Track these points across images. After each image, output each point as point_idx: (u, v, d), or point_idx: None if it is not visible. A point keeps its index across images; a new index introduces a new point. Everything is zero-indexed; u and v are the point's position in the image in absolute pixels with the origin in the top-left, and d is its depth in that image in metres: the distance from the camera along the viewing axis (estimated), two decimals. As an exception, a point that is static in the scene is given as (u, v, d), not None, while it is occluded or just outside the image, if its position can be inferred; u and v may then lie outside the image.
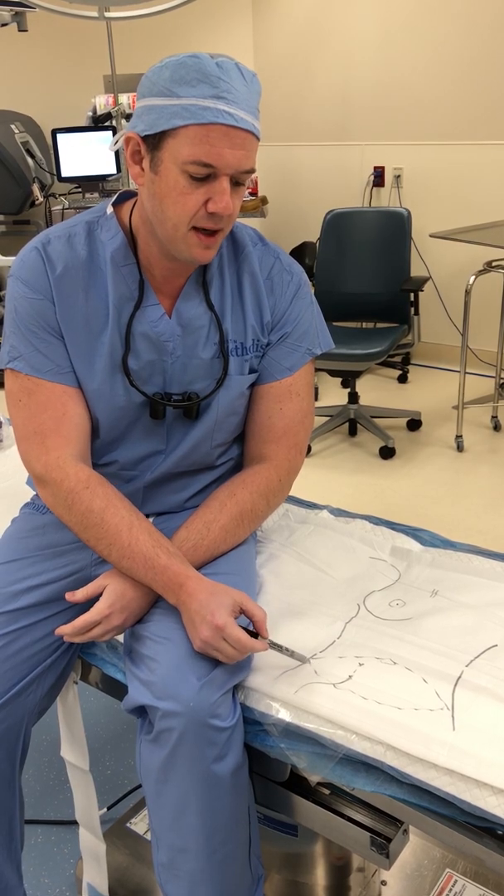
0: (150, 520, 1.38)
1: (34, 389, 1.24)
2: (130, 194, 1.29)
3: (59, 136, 4.25)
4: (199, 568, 1.24)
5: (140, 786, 1.54)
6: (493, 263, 3.51)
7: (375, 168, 4.61)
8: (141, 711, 1.14)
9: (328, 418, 3.74)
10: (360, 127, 4.63)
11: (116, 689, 1.29)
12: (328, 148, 4.78)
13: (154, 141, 1.12)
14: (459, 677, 1.11)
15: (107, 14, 3.68)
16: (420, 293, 3.62)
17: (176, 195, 1.13)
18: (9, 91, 4.86)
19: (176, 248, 1.19)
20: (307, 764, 1.08)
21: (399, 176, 4.56)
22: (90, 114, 4.46)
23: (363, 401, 3.79)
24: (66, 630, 1.18)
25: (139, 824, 1.67)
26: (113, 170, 4.29)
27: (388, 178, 4.61)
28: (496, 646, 1.17)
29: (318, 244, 3.86)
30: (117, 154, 4.15)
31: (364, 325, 4.18)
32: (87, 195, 4.49)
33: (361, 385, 3.82)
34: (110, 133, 4.22)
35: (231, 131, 1.10)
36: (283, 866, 1.46)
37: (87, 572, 1.33)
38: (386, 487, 3.29)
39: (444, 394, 4.14)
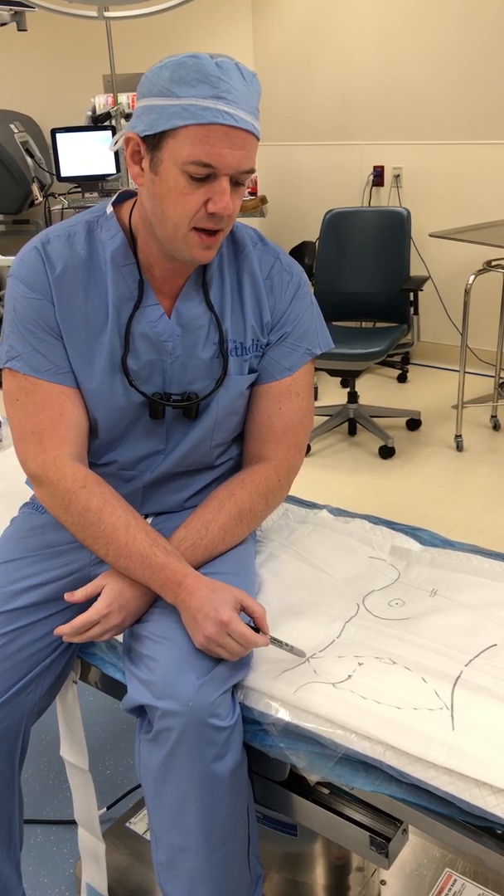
0: (149, 520, 1.38)
1: (32, 389, 1.24)
2: (130, 194, 1.29)
3: (59, 136, 4.25)
4: (197, 568, 1.24)
5: (139, 785, 1.55)
6: (493, 263, 3.51)
7: (375, 167, 4.61)
8: (140, 711, 1.14)
9: (328, 418, 3.74)
10: (360, 126, 4.63)
11: (116, 689, 1.29)
12: (328, 147, 4.78)
13: (154, 141, 1.12)
14: (459, 677, 1.11)
15: (106, 14, 3.68)
16: (419, 293, 3.61)
17: (176, 195, 1.13)
18: (8, 91, 4.86)
19: (176, 248, 1.19)
20: (306, 763, 1.08)
21: (398, 175, 4.56)
22: (89, 113, 4.46)
23: (363, 400, 3.79)
24: (64, 630, 1.18)
25: (138, 824, 1.67)
26: (112, 169, 4.29)
27: (388, 177, 4.61)
28: (495, 645, 1.17)
29: (317, 244, 3.87)
30: (116, 154, 4.14)
31: (363, 324, 4.18)
32: (87, 195, 4.49)
33: (361, 384, 3.82)
34: (110, 133, 4.22)
35: (231, 131, 1.10)
36: (283, 866, 1.46)
37: (85, 572, 1.33)
38: (385, 487, 3.29)
39: (444, 393, 4.14)
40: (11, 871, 1.33)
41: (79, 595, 1.20)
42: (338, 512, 1.60)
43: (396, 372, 4.57)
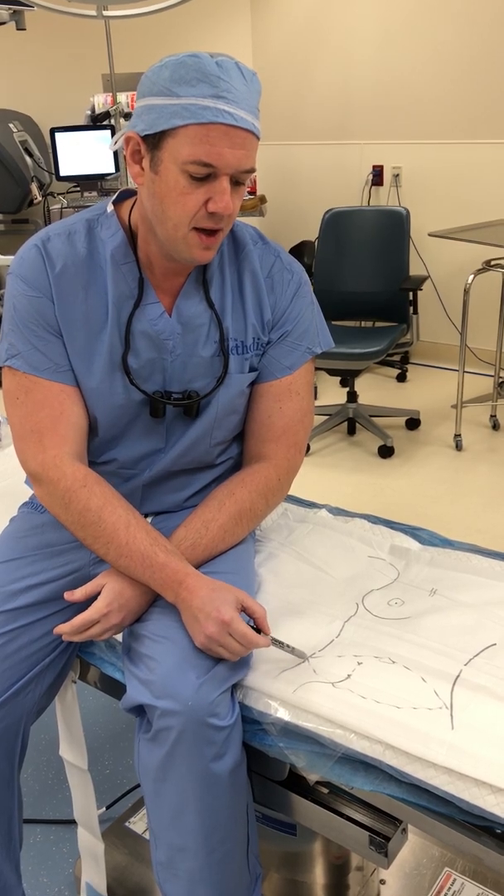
0: (149, 519, 1.38)
1: (32, 388, 1.24)
2: (131, 193, 1.29)
3: (58, 135, 4.24)
4: (197, 567, 1.23)
5: (138, 785, 1.54)
6: (492, 262, 3.51)
7: (374, 167, 4.61)
8: (139, 710, 1.14)
9: (327, 417, 3.74)
10: (359, 126, 4.63)
11: (115, 689, 1.29)
12: (327, 147, 4.78)
13: (154, 140, 1.12)
14: (458, 676, 1.11)
15: (105, 13, 3.68)
16: (419, 292, 3.61)
17: (176, 195, 1.13)
18: (7, 90, 4.86)
19: (176, 247, 1.19)
20: (306, 763, 1.08)
21: (398, 175, 4.56)
22: (89, 113, 4.46)
23: (362, 400, 3.79)
24: (64, 629, 1.18)
25: (138, 823, 1.67)
26: (111, 169, 4.28)
27: (387, 176, 4.60)
28: (495, 645, 1.17)
29: (316, 243, 3.86)
30: (116, 153, 4.14)
31: (363, 324, 4.18)
32: (86, 194, 4.48)
33: (360, 384, 3.82)
34: (109, 132, 4.21)
35: (231, 131, 1.09)
36: (282, 865, 1.46)
37: (85, 571, 1.33)
38: (385, 486, 3.29)
39: (443, 393, 4.14)
40: (11, 870, 1.33)
41: (78, 594, 1.19)
42: (337, 511, 1.60)
43: (396, 371, 4.57)
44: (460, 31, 4.16)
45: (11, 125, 4.33)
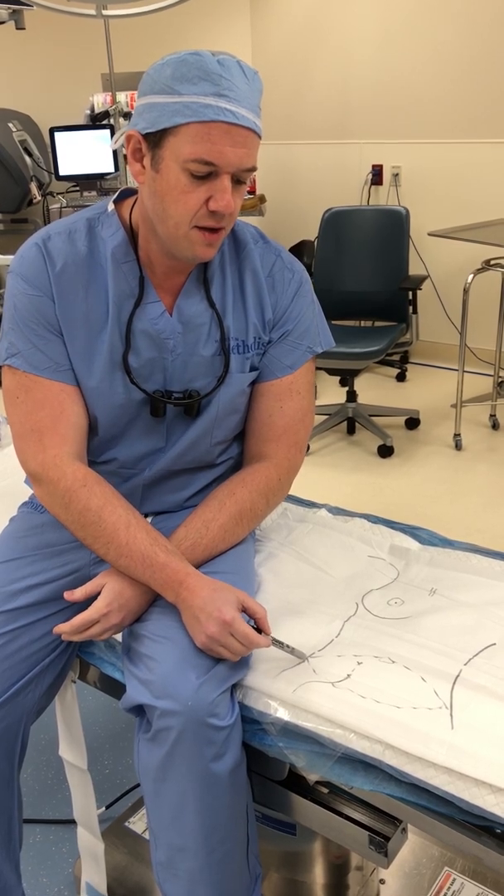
0: (149, 519, 1.38)
1: (32, 387, 1.24)
2: (131, 192, 1.29)
3: (57, 135, 4.24)
4: (197, 567, 1.23)
5: (138, 785, 1.54)
6: (492, 262, 3.51)
7: (374, 166, 4.61)
8: (139, 710, 1.14)
9: (326, 417, 3.74)
10: (359, 125, 4.63)
11: (115, 688, 1.29)
12: (326, 146, 4.78)
13: (155, 139, 1.12)
14: (458, 676, 1.11)
15: (104, 12, 3.68)
16: (418, 292, 3.61)
17: (177, 193, 1.13)
18: (6, 89, 4.85)
19: (177, 246, 1.19)
20: (306, 763, 1.08)
21: (397, 174, 4.56)
22: (88, 112, 4.46)
23: (361, 399, 3.79)
24: (64, 629, 1.17)
25: (137, 823, 1.67)
26: (111, 168, 4.28)
27: (387, 176, 4.60)
28: (495, 644, 1.17)
29: (316, 242, 3.86)
30: (115, 152, 4.14)
31: (362, 323, 4.17)
32: (85, 193, 4.48)
33: (360, 383, 3.82)
34: (108, 131, 4.21)
35: (232, 129, 1.09)
36: (282, 865, 1.46)
37: (85, 571, 1.33)
38: (384, 486, 3.29)
39: (443, 392, 4.14)
40: (11, 870, 1.33)
41: (78, 594, 1.19)
42: (337, 511, 1.60)
43: (395, 371, 4.57)
44: (460, 30, 4.16)
45: (11, 125, 4.32)
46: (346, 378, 3.73)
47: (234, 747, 1.11)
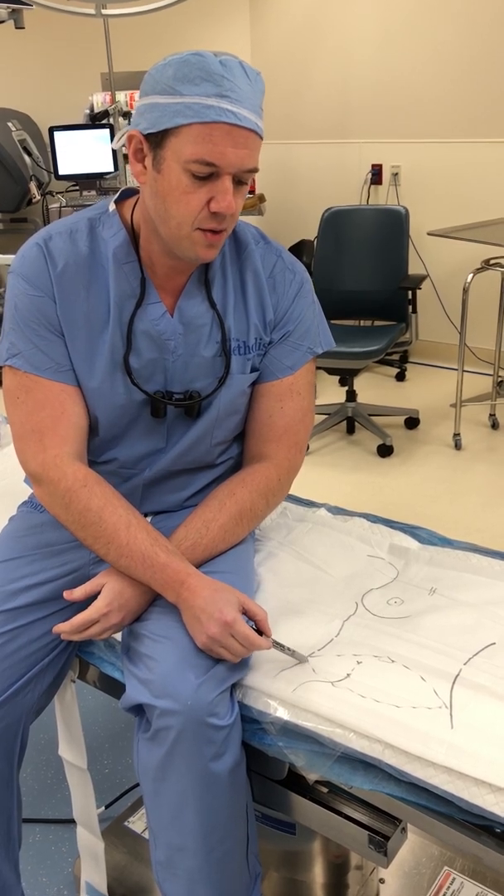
0: (149, 519, 1.38)
1: (32, 387, 1.24)
2: (132, 192, 1.28)
3: (57, 134, 4.24)
4: (197, 567, 1.23)
5: (138, 784, 1.54)
6: (491, 261, 3.51)
7: (373, 166, 4.61)
8: (139, 710, 1.14)
9: (326, 416, 3.74)
10: (358, 124, 4.63)
11: (114, 688, 1.29)
12: (326, 146, 4.78)
13: (157, 139, 1.12)
14: (458, 675, 1.11)
15: (104, 11, 3.68)
16: (418, 291, 3.61)
17: (178, 194, 1.13)
18: (6, 89, 4.85)
19: (179, 246, 1.18)
20: (305, 762, 1.08)
21: (397, 174, 4.56)
22: (87, 111, 4.45)
23: (361, 399, 3.79)
24: (63, 628, 1.18)
25: (137, 823, 1.67)
26: (110, 168, 4.28)
27: (386, 175, 4.61)
28: (494, 644, 1.17)
29: (315, 242, 3.86)
30: (115, 152, 4.14)
31: (362, 322, 4.18)
32: (85, 193, 4.48)
33: (359, 383, 3.82)
34: (108, 131, 4.21)
35: (234, 130, 1.09)
36: (282, 864, 1.46)
37: (85, 571, 1.33)
38: (384, 485, 3.30)
39: (442, 392, 4.14)
40: (10, 870, 1.33)
41: (78, 593, 1.19)
42: (336, 510, 1.60)
43: (395, 370, 4.57)
44: (460, 30, 4.16)
45: (10, 124, 4.32)
46: (346, 377, 3.73)
47: (233, 747, 1.11)
